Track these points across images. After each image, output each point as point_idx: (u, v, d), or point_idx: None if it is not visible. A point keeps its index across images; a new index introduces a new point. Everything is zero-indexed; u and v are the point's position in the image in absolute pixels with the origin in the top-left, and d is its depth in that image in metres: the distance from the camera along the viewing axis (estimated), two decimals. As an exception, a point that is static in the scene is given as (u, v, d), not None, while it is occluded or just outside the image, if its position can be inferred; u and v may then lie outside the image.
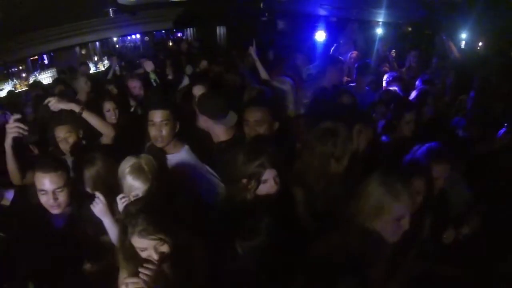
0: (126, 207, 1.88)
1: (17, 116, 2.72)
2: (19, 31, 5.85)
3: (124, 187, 2.26)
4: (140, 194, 2.20)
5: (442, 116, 4.30)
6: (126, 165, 2.27)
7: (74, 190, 2.40)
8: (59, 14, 5.55)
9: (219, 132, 2.88)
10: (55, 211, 2.33)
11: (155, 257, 1.68)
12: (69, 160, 2.83)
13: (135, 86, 4.37)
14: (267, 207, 1.91)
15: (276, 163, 2.16)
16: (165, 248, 1.70)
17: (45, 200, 2.29)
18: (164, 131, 2.59)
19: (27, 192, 2.49)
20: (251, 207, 1.96)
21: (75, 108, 3.03)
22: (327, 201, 2.35)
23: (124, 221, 1.72)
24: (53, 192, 2.26)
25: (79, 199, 2.43)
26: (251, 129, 2.81)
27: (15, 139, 2.71)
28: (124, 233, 1.72)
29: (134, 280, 1.59)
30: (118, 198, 2.21)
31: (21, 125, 2.67)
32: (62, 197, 2.31)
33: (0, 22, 4.78)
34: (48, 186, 2.25)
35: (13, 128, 2.65)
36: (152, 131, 2.60)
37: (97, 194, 2.23)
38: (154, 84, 4.41)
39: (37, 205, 2.35)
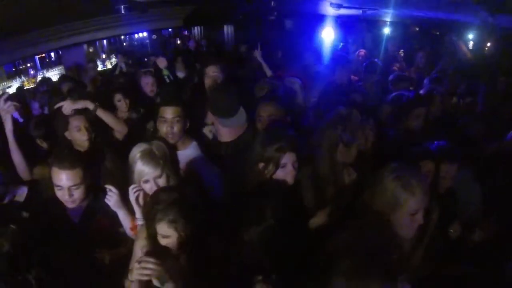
0: (157, 194, 1.88)
1: (5, 95, 2.70)
2: (28, 28, 5.87)
3: (134, 172, 2.26)
4: (151, 180, 2.22)
5: (450, 116, 4.28)
6: (137, 150, 2.28)
7: (91, 185, 2.42)
8: (68, 11, 5.57)
9: (224, 132, 2.84)
10: (70, 205, 2.35)
11: (175, 246, 1.72)
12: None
13: (147, 82, 4.38)
14: (280, 192, 1.91)
15: (296, 147, 2.15)
16: (187, 239, 1.73)
17: (61, 195, 2.31)
18: (176, 128, 2.61)
19: (39, 187, 2.52)
20: (261, 192, 1.93)
21: (90, 105, 3.00)
22: (335, 189, 2.36)
23: (155, 207, 1.75)
24: (69, 189, 2.28)
25: (95, 192, 2.45)
26: (264, 125, 2.83)
27: (18, 132, 2.71)
28: (150, 219, 1.75)
29: (144, 265, 1.58)
30: (130, 188, 2.23)
31: (12, 102, 2.67)
32: (78, 194, 2.33)
33: (9, 19, 4.81)
34: (64, 183, 2.27)
35: (8, 106, 2.64)
36: (163, 128, 2.61)
37: (110, 187, 2.23)
38: (168, 80, 4.42)
39: (52, 199, 2.37)
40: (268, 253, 1.64)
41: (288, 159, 2.12)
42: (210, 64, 3.57)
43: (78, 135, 2.92)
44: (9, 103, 2.65)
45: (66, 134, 2.97)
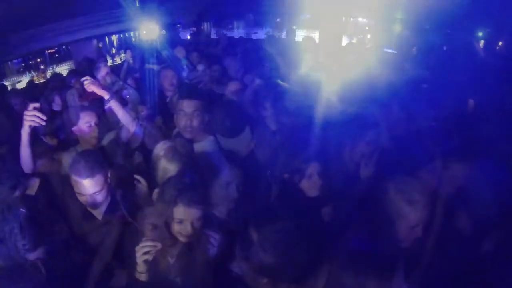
0: (175, 179, 1.88)
1: (36, 104, 2.68)
2: (39, 22, 5.90)
3: (158, 169, 2.26)
4: None
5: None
6: (161, 148, 2.28)
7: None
8: (81, 4, 5.59)
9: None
10: (93, 208, 2.38)
11: (188, 230, 1.72)
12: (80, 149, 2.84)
13: (167, 75, 4.35)
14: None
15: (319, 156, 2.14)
16: (198, 225, 1.72)
17: (84, 200, 2.32)
18: (195, 122, 2.59)
19: (51, 182, 2.51)
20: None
21: (105, 95, 2.92)
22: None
23: (175, 189, 1.75)
24: (91, 195, 2.28)
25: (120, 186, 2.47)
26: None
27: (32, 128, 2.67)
28: (167, 202, 1.75)
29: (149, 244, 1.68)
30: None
31: (39, 114, 2.62)
32: (100, 198, 2.33)
33: (21, 13, 4.82)
34: (85, 191, 2.26)
35: (31, 116, 2.63)
36: (183, 121, 2.59)
37: (138, 177, 2.21)
38: (187, 69, 4.37)
39: (69, 195, 2.39)
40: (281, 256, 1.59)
41: (313, 169, 2.09)
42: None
43: (89, 131, 2.91)
44: (34, 113, 2.58)
45: (75, 129, 2.96)
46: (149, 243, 1.71)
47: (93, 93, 2.38)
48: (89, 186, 2.22)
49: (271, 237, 1.37)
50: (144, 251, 1.70)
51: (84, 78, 2.89)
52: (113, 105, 2.94)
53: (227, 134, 2.62)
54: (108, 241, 2.33)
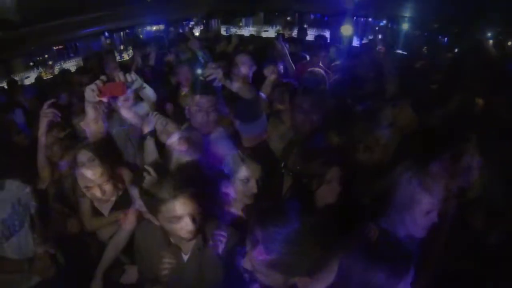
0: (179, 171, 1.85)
1: (52, 101, 2.67)
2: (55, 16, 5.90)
3: (172, 159, 2.26)
4: None
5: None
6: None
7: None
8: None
9: (244, 138, 2.80)
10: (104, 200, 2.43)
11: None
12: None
13: (183, 71, 4.24)
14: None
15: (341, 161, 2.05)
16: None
17: (90, 194, 2.38)
18: (211, 117, 2.59)
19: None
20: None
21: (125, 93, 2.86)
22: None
23: (170, 185, 1.63)
24: (100, 186, 2.33)
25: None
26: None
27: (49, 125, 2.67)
28: (160, 200, 1.63)
29: None
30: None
31: (55, 110, 2.63)
32: (108, 188, 2.39)
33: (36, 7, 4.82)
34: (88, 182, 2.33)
35: (49, 112, 2.62)
36: (199, 117, 2.58)
37: (148, 168, 2.18)
38: (202, 61, 4.32)
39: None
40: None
41: (333, 174, 2.02)
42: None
43: (96, 126, 2.91)
44: (51, 109, 2.60)
45: (82, 124, 2.95)
46: None
47: (114, 89, 2.32)
48: (91, 176, 2.24)
49: (282, 232, 1.34)
50: None
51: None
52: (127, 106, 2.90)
53: (248, 119, 2.71)
54: (117, 236, 2.33)
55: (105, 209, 2.52)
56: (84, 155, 2.32)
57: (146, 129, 2.58)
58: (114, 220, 2.46)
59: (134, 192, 2.12)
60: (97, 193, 2.30)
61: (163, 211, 1.60)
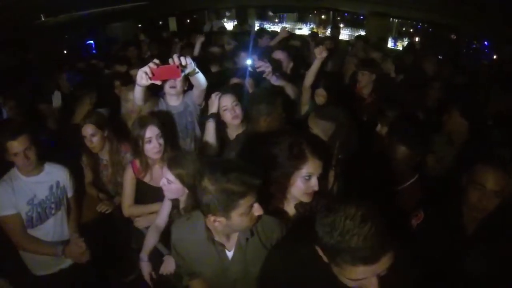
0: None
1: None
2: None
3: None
4: None
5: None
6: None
7: None
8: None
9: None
10: None
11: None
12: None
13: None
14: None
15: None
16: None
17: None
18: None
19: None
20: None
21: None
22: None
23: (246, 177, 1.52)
24: None
25: None
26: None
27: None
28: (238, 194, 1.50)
29: None
30: None
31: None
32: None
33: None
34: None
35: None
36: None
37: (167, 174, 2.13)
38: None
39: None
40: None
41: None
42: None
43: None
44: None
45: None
46: None
47: (168, 72, 2.26)
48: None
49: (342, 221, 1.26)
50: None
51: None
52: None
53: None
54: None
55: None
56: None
57: (210, 111, 2.70)
58: (154, 210, 2.45)
59: (169, 177, 2.08)
60: None
61: (241, 205, 1.55)
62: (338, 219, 1.19)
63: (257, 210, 1.53)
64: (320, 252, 1.29)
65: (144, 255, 2.26)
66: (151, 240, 2.28)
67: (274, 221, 1.75)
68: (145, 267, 2.25)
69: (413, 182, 2.36)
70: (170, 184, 2.06)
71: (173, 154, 2.28)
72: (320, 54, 2.98)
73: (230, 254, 1.69)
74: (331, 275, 1.30)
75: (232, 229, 1.60)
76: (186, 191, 2.07)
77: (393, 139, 2.41)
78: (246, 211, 1.50)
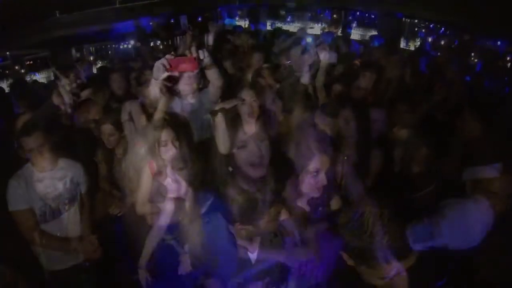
0: None
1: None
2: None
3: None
4: None
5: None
6: None
7: None
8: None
9: None
10: None
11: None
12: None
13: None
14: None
15: None
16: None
17: None
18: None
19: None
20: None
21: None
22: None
23: None
24: None
25: None
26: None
27: None
28: None
29: None
30: None
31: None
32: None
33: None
34: None
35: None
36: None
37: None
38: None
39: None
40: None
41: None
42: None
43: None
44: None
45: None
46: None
47: (185, 64, 2.24)
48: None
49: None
50: None
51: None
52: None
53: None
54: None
55: None
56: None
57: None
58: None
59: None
60: None
61: None
62: (365, 220, 1.18)
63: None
64: (346, 257, 1.29)
65: (142, 261, 2.24)
66: (150, 246, 2.27)
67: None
68: (142, 275, 2.24)
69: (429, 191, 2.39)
70: (174, 183, 2.11)
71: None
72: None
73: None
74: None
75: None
76: (190, 190, 2.08)
77: (413, 140, 2.41)
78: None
